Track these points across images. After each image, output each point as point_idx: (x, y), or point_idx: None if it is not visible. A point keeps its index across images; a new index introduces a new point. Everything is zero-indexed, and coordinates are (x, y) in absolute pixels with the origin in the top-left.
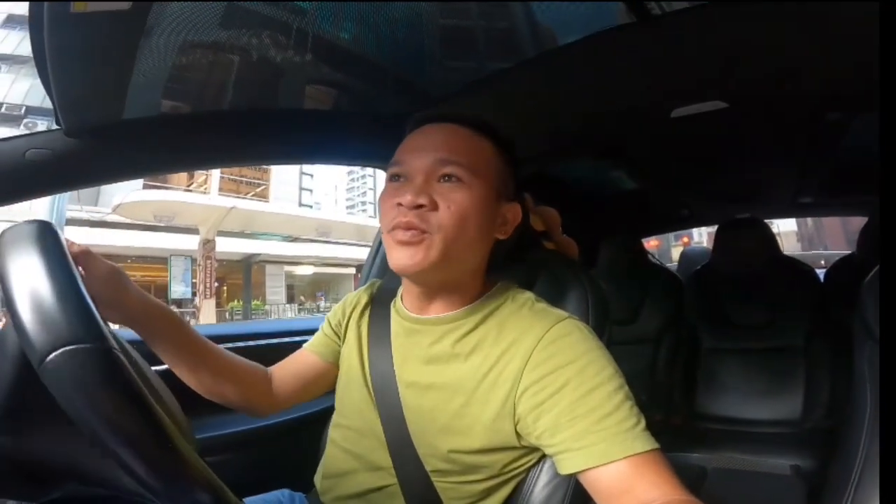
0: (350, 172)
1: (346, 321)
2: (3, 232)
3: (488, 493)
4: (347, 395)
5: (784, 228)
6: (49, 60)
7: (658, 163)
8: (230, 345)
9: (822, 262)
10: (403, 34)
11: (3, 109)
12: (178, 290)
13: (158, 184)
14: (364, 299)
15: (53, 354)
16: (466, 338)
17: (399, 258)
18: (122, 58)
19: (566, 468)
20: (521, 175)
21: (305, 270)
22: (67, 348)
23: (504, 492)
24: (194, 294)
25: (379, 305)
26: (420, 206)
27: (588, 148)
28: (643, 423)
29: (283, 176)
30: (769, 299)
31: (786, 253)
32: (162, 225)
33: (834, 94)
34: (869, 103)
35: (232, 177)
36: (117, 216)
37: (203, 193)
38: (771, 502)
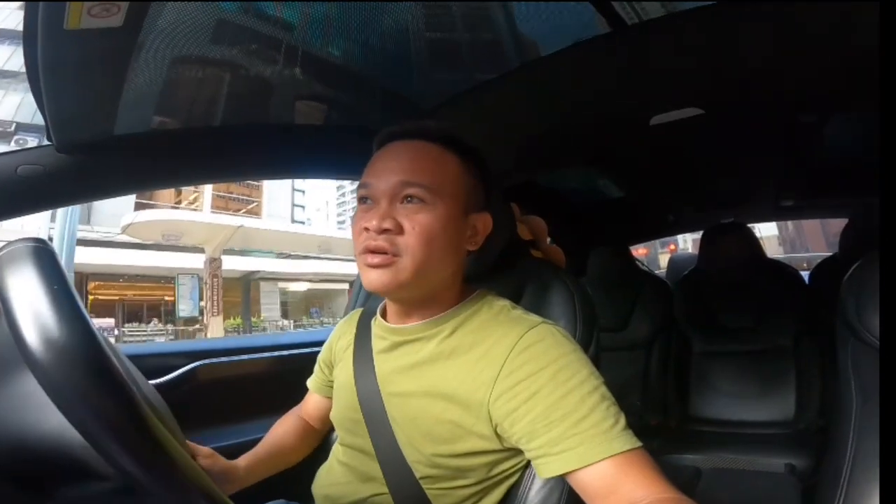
0: (340, 188)
1: (332, 354)
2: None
3: (481, 496)
4: (338, 414)
5: (766, 233)
6: (42, 76)
7: (642, 170)
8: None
9: (805, 264)
10: (391, 48)
11: None
12: (185, 308)
13: (147, 201)
14: (346, 330)
15: (44, 352)
16: (444, 342)
17: (371, 280)
18: (113, 74)
19: (545, 472)
20: (508, 184)
21: (299, 286)
22: (58, 347)
23: (496, 495)
24: (202, 312)
25: (362, 329)
26: (386, 231)
27: (573, 157)
28: (623, 423)
29: (274, 193)
30: (756, 302)
31: (770, 256)
32: (168, 244)
33: (805, 96)
34: (839, 104)
35: (223, 194)
36: (126, 236)
37: (195, 211)
38: (766, 500)
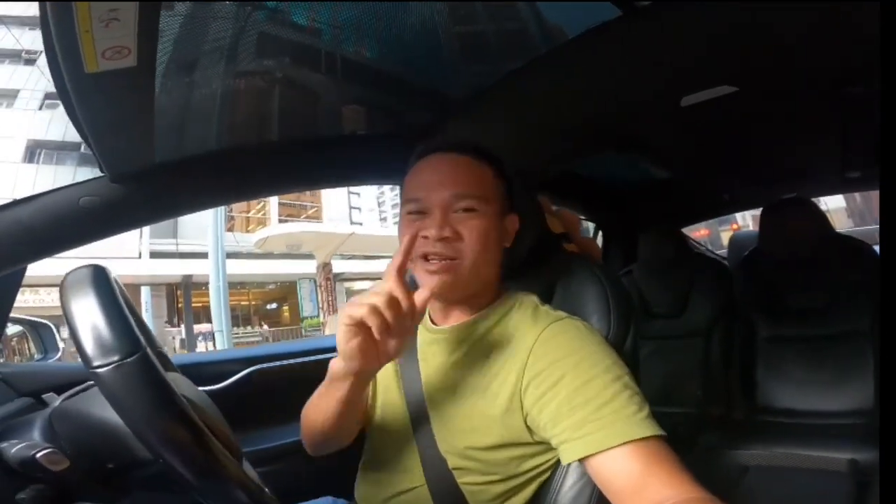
0: (393, 189)
1: None
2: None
3: (512, 493)
4: (383, 404)
5: (833, 206)
6: (79, 115)
7: (684, 151)
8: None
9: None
10: (418, 45)
11: (82, 149)
12: (307, 308)
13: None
14: None
15: (105, 369)
16: (480, 341)
17: (431, 283)
18: (142, 107)
19: (568, 457)
20: (545, 176)
21: (363, 285)
22: (114, 364)
23: (527, 493)
24: (320, 310)
25: None
26: (445, 238)
27: (608, 143)
28: (646, 412)
29: (332, 197)
30: (827, 281)
31: (839, 231)
32: (290, 253)
33: (847, 68)
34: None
35: (286, 202)
36: (258, 249)
37: (314, 222)
38: (819, 499)
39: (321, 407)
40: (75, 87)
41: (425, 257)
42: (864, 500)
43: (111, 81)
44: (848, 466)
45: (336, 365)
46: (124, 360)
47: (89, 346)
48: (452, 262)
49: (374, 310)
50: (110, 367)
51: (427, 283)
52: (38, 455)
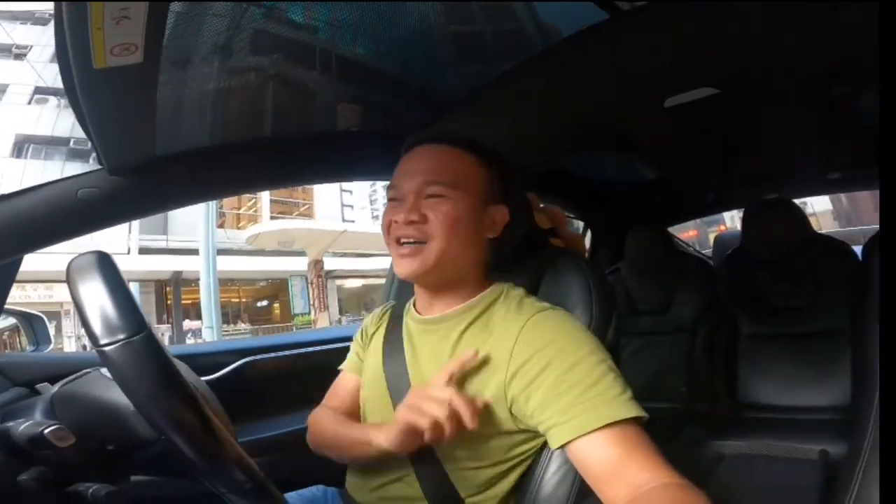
0: (385, 186)
1: (368, 338)
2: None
3: (499, 479)
4: (368, 395)
5: (819, 208)
6: (83, 107)
7: (670, 151)
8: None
9: (863, 238)
10: (414, 44)
11: (71, 144)
12: (298, 305)
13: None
14: (379, 317)
15: (112, 346)
16: (466, 332)
17: (402, 267)
18: (146, 102)
19: (556, 441)
20: (537, 172)
21: (354, 283)
22: (122, 342)
23: (513, 478)
24: (311, 307)
25: (394, 317)
26: (412, 222)
27: (596, 143)
28: (629, 394)
29: (324, 195)
30: (807, 281)
31: (824, 232)
32: (281, 250)
33: (834, 69)
34: (873, 77)
35: (277, 199)
36: (249, 245)
37: (306, 219)
38: (789, 487)
39: (338, 440)
40: (83, 82)
41: (398, 241)
42: (831, 489)
43: (118, 77)
44: (819, 456)
45: (377, 440)
46: (130, 338)
47: (96, 326)
48: (421, 245)
49: (436, 425)
50: (117, 344)
51: (398, 268)
52: (46, 431)
